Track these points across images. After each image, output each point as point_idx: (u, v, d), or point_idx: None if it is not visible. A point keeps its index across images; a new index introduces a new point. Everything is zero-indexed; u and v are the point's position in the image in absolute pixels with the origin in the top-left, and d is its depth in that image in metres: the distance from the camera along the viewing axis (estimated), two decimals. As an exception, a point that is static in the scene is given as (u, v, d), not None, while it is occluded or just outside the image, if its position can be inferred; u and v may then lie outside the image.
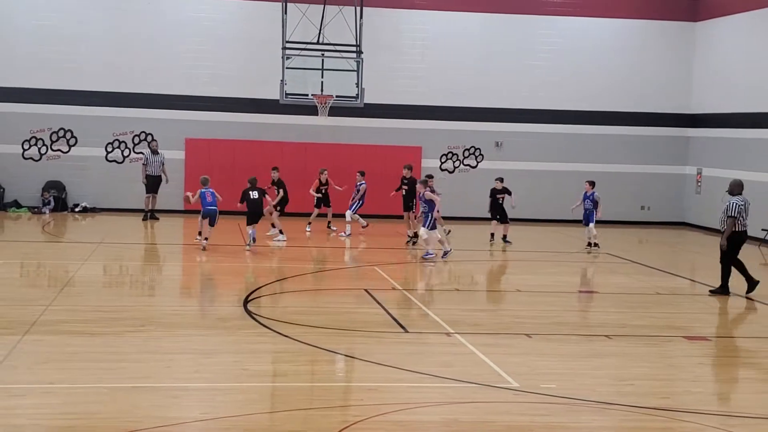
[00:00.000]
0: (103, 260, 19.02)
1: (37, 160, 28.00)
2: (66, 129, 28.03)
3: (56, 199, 27.73)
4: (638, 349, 12.99)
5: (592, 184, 23.13)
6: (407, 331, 13.09)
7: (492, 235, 23.56)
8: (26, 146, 27.93)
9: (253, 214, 20.83)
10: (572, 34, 29.70)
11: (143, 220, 25.89)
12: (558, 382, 10.58)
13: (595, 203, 22.77)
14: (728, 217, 16.72)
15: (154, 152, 26.19)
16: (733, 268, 17.00)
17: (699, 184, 29.67)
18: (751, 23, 27.36)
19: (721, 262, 17.16)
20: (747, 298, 16.91)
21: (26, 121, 27.74)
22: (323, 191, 24.42)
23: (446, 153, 29.60)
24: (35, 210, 27.51)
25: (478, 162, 29.70)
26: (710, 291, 17.29)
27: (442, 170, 29.22)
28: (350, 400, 9.90)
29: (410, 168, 23.44)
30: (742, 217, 16.71)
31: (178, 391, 9.79)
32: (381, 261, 19.98)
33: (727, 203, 16.86)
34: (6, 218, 26.20)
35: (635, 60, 29.97)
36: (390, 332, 13.03)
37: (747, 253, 17.05)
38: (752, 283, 16.93)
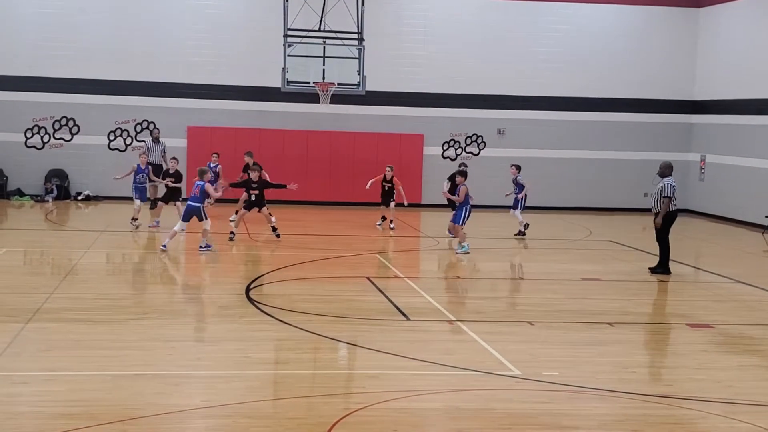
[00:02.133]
0: (106, 248, 19.03)
1: (39, 149, 28.00)
2: (68, 117, 28.01)
3: (59, 188, 27.74)
4: (641, 336, 13.00)
5: (518, 168, 23.02)
6: (409, 319, 13.10)
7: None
8: (29, 135, 27.92)
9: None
10: (575, 20, 29.61)
11: (150, 208, 25.85)
12: (560, 369, 10.58)
13: (521, 187, 22.69)
14: (664, 197, 17.47)
15: (156, 140, 26.16)
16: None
17: (702, 171, 29.62)
18: (754, 9, 27.28)
19: (657, 241, 17.84)
20: (650, 269, 17.79)
21: (29, 109, 27.72)
22: (386, 188, 22.99)
23: (448, 140, 29.56)
24: (38, 198, 27.53)
25: (480, 149, 29.66)
26: (650, 269, 17.90)
27: (444, 158, 29.19)
28: (352, 387, 9.91)
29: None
30: (674, 197, 17.56)
31: (181, 379, 9.81)
32: (382, 249, 19.96)
33: (662, 184, 17.57)
34: (9, 207, 26.21)
35: (638, 46, 29.89)
36: (392, 320, 13.03)
37: (751, 241, 17.10)
38: (663, 267, 17.68)
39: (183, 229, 19.46)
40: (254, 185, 20.65)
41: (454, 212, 20.26)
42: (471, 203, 19.89)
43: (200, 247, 18.65)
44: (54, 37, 27.52)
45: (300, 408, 8.99)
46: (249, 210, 20.72)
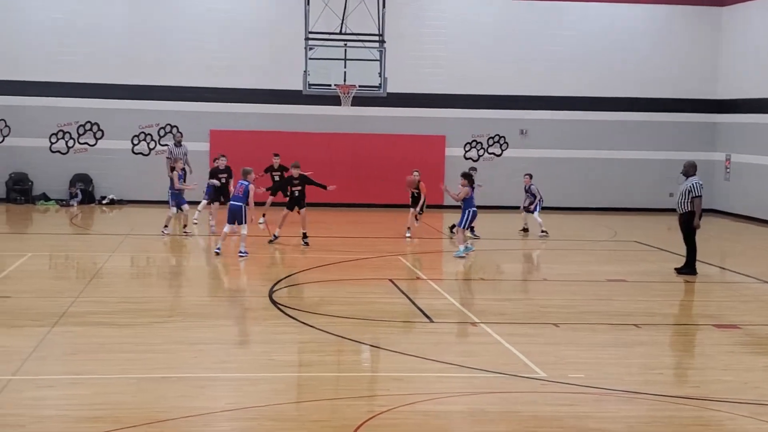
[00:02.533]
0: (130, 252, 19.12)
1: (64, 154, 28.17)
2: (92, 122, 28.17)
3: (83, 192, 27.90)
4: (667, 337, 12.92)
5: (531, 177, 23.29)
6: (433, 321, 13.06)
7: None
8: (53, 140, 28.10)
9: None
10: (597, 19, 29.48)
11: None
12: (586, 371, 10.52)
13: (534, 196, 22.87)
14: (695, 197, 17.28)
15: (178, 144, 26.25)
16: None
17: (727, 170, 29.41)
18: (779, 7, 27.08)
19: (685, 241, 17.69)
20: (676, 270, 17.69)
21: (53, 114, 27.91)
22: (414, 194, 22.31)
23: (470, 141, 29.49)
24: (63, 203, 27.69)
25: (502, 150, 29.58)
26: (676, 269, 17.77)
27: (466, 159, 29.11)
28: (376, 390, 9.89)
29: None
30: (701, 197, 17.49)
31: (205, 382, 9.83)
32: (405, 251, 19.94)
33: (689, 185, 17.40)
34: (35, 211, 26.39)
35: (661, 45, 29.72)
36: (415, 322, 13.01)
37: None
38: (689, 268, 17.54)
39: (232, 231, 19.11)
40: (296, 182, 20.63)
41: None
42: (473, 208, 19.46)
43: (239, 252, 18.43)
44: (77, 42, 27.68)
45: (324, 411, 8.98)
46: (291, 209, 20.66)
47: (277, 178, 22.68)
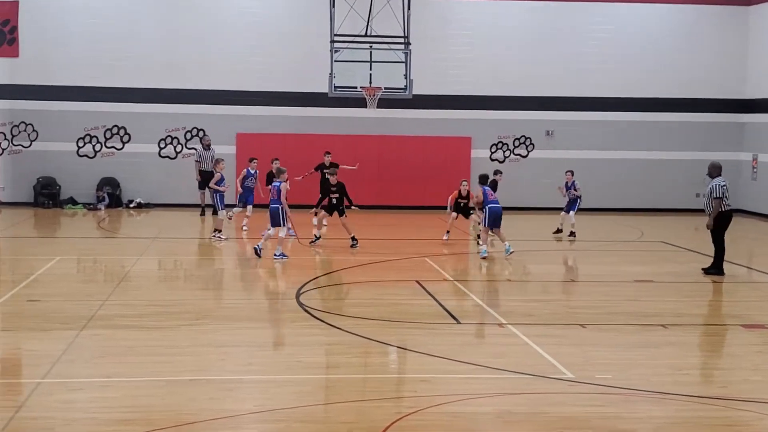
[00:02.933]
0: (158, 255, 19.24)
1: (91, 158, 28.39)
2: (119, 126, 28.38)
3: (111, 196, 28.10)
4: (695, 338, 12.84)
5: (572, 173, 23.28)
6: (459, 322, 13.06)
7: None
8: (81, 144, 28.33)
9: None
10: (622, 20, 29.37)
11: (201, 215, 26.12)
12: (613, 372, 10.48)
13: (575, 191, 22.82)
14: (714, 198, 17.21)
15: (206, 147, 26.38)
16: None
17: (755, 170, 29.20)
18: (806, 5, 26.85)
19: (713, 242, 17.62)
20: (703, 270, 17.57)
21: (80, 118, 28.14)
22: (462, 204, 21.78)
23: (496, 143, 29.46)
24: (91, 207, 27.90)
25: (528, 151, 29.52)
26: (704, 269, 17.68)
27: (492, 160, 29.08)
28: (403, 391, 9.90)
29: (334, 173, 21.32)
30: (726, 197, 17.25)
31: (233, 384, 9.87)
32: (432, 252, 19.94)
33: (711, 185, 17.32)
34: (62, 215, 26.61)
35: (687, 45, 29.56)
36: (442, 323, 13.00)
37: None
38: (717, 269, 17.45)
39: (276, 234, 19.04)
40: (333, 188, 20.71)
41: None
42: (489, 205, 19.34)
43: (275, 255, 18.43)
44: (105, 47, 27.90)
45: (351, 412, 9.00)
46: (330, 214, 20.76)
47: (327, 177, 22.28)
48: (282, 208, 18.46)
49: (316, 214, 22.14)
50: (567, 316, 13.75)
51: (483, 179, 19.91)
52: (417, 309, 14.08)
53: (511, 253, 19.21)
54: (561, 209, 23.40)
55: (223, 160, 22.43)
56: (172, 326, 12.53)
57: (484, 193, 19.53)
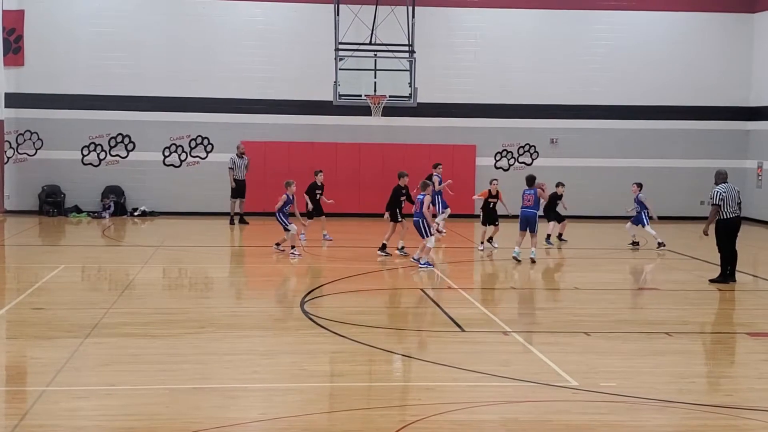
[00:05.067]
0: (162, 263, 19.25)
1: (96, 166, 28.43)
2: (124, 134, 28.42)
3: (115, 204, 28.13)
4: (700, 346, 12.82)
5: (640, 186, 22.96)
6: (464, 330, 13.04)
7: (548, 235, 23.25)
8: (85, 152, 28.37)
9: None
10: (626, 28, 29.38)
11: (230, 224, 26.08)
12: (618, 380, 10.46)
13: (642, 205, 22.54)
14: (712, 205, 17.31)
15: (240, 156, 26.33)
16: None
17: (759, 177, 29.17)
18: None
19: (719, 251, 17.55)
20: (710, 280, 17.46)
21: (85, 127, 28.18)
22: (492, 204, 21.72)
23: (501, 151, 29.47)
24: (95, 215, 27.93)
25: (533, 159, 29.52)
26: (710, 280, 17.52)
27: (497, 168, 29.09)
28: (408, 399, 9.89)
29: (405, 175, 21.77)
30: (728, 204, 17.15)
31: (238, 392, 9.87)
32: (436, 260, 19.92)
33: (711, 192, 17.41)
34: (67, 223, 26.64)
35: (691, 53, 29.56)
36: (447, 331, 12.99)
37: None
38: (722, 277, 17.35)
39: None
40: (403, 191, 20.88)
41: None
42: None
43: (419, 263, 18.50)
44: (109, 55, 27.96)
45: (356, 421, 8.99)
46: (399, 221, 20.67)
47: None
48: (423, 220, 18.54)
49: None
50: (571, 324, 13.73)
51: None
52: (422, 317, 14.08)
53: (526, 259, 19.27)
54: (576, 216, 23.37)
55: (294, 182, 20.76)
56: (176, 334, 12.53)
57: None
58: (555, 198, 23.02)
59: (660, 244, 22.33)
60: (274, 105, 28.50)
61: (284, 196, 19.98)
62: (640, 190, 22.73)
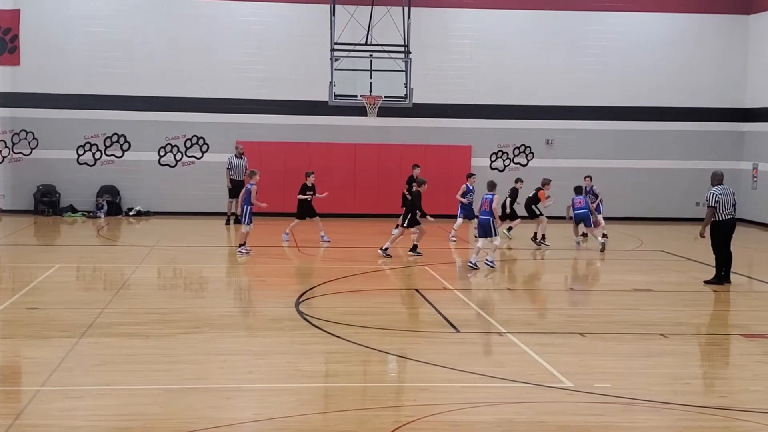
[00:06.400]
0: (157, 263, 19.23)
1: (91, 165, 28.40)
2: (119, 134, 28.39)
3: (110, 204, 28.10)
4: (695, 347, 12.84)
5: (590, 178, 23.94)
6: (459, 331, 13.05)
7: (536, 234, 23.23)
8: (81, 152, 28.34)
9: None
10: (622, 29, 29.42)
11: (226, 224, 26.06)
12: (613, 381, 10.47)
13: (595, 196, 23.31)
14: (708, 207, 17.34)
15: (239, 156, 26.30)
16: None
17: (755, 179, 29.21)
18: (806, 15, 26.89)
19: (714, 252, 17.58)
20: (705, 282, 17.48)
21: (80, 126, 28.16)
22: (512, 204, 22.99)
23: (496, 152, 29.49)
24: (90, 214, 27.89)
25: (528, 160, 29.54)
26: (705, 281, 17.57)
27: (492, 169, 29.10)
28: (403, 400, 9.89)
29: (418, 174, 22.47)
30: (723, 206, 17.17)
31: (233, 392, 9.85)
32: (431, 261, 19.93)
33: (707, 194, 17.47)
34: (62, 223, 26.61)
35: (687, 55, 29.61)
36: (442, 332, 12.99)
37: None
38: (717, 278, 17.39)
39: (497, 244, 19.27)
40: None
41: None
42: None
43: (486, 261, 18.79)
44: (105, 55, 27.94)
45: (351, 421, 8.99)
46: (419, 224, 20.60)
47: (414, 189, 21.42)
48: (492, 220, 18.59)
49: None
50: (566, 325, 13.74)
51: (578, 190, 22.01)
52: (417, 317, 14.08)
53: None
54: (561, 217, 23.43)
55: (257, 174, 20.78)
56: (171, 334, 12.52)
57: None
58: (532, 198, 23.22)
59: (578, 243, 22.79)
60: (270, 105, 28.50)
61: (248, 186, 20.05)
62: (591, 182, 23.47)
